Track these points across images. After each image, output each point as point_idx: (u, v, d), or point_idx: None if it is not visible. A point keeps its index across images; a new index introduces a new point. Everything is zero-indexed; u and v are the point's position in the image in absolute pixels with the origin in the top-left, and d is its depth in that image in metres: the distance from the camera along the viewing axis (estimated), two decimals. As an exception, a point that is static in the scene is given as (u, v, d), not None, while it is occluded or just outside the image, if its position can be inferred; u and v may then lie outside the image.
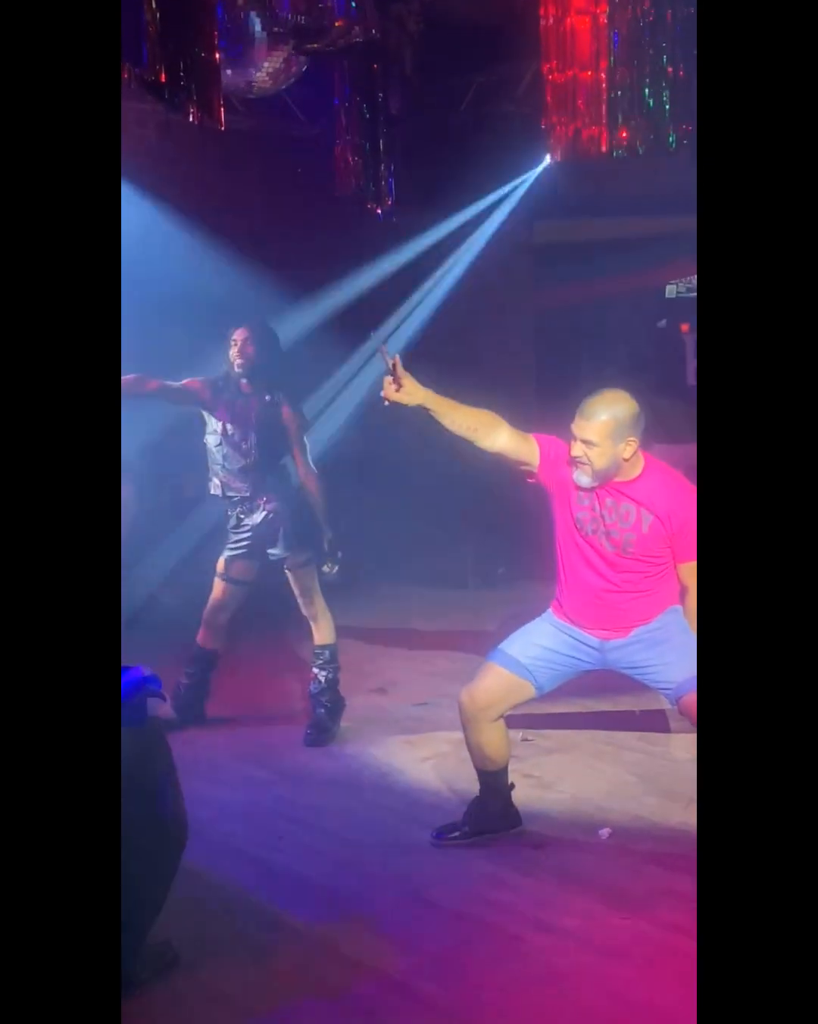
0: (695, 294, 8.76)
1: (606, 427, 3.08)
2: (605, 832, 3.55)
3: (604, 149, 4.23)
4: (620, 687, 5.04)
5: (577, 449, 3.13)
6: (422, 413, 3.10)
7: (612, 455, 3.11)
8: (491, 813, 3.51)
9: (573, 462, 3.16)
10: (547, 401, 7.49)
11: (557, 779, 4.03)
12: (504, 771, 3.51)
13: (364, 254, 6.95)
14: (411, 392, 3.05)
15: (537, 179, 6.62)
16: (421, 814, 3.70)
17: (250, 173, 6.55)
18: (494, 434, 3.19)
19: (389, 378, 3.03)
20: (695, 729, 3.20)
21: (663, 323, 9.80)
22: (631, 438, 3.11)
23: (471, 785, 3.61)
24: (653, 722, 4.51)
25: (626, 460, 3.14)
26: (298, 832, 3.62)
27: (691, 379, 9.29)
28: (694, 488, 3.15)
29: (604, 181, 6.20)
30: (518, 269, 7.16)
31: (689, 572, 3.21)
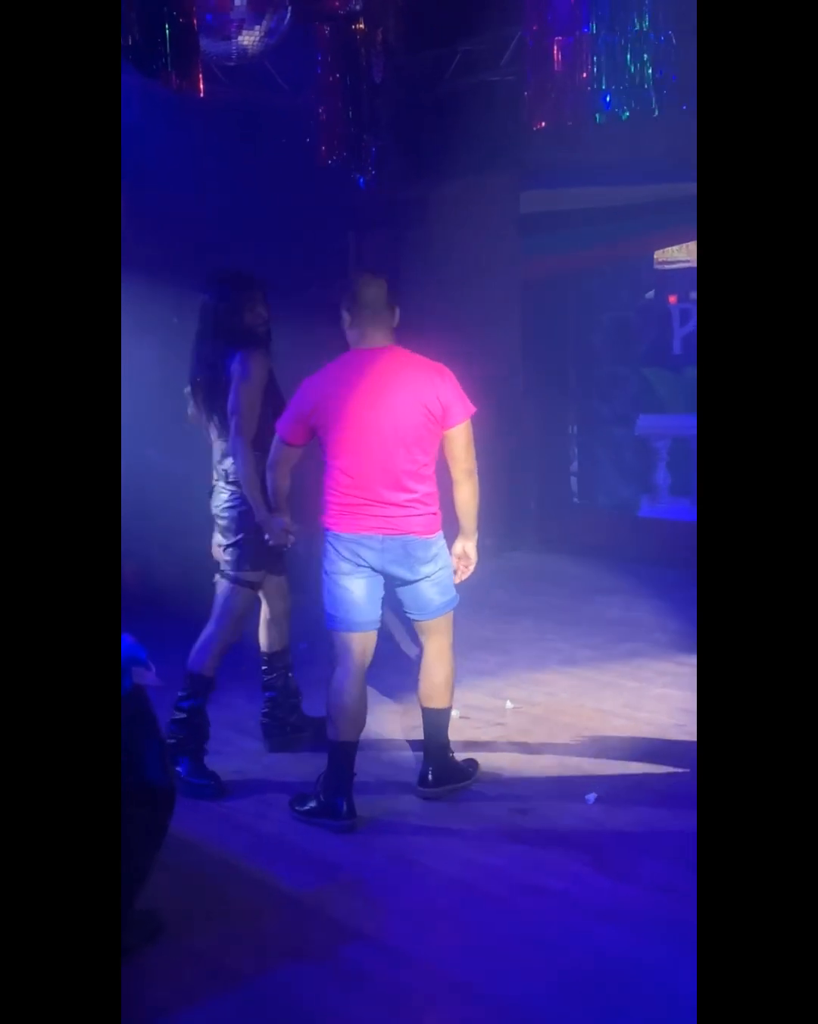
0: (683, 265, 8.72)
1: None
2: (591, 797, 3.58)
3: (586, 116, 4.19)
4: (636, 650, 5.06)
5: None
6: None
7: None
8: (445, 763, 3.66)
9: None
10: (534, 367, 7.47)
11: (543, 745, 4.06)
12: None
13: (347, 225, 6.89)
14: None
15: (523, 148, 6.54)
16: (411, 782, 3.71)
17: (232, 143, 6.46)
18: None
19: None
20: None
21: (651, 294, 9.73)
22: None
23: (465, 753, 3.62)
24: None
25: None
26: (287, 801, 3.63)
27: (677, 349, 9.28)
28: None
29: (590, 149, 6.12)
30: (505, 239, 7.08)
31: None
